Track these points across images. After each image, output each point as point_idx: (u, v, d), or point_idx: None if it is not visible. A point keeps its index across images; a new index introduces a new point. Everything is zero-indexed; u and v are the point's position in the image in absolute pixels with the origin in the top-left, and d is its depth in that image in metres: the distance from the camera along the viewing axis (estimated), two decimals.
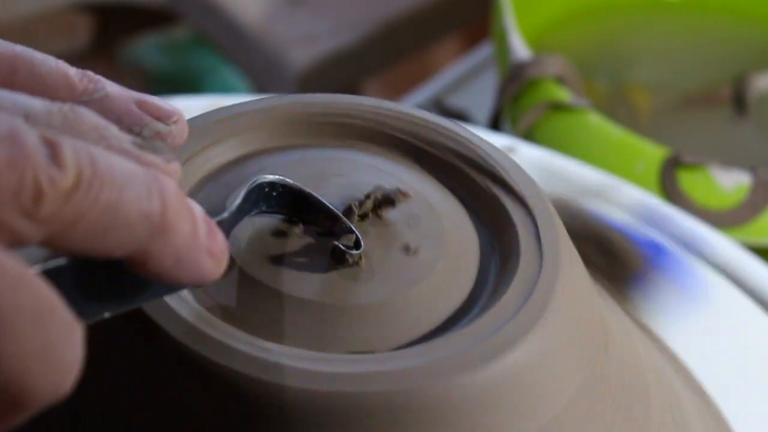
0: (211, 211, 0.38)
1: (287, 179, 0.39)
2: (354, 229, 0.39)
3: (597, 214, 0.60)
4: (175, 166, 0.32)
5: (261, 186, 0.38)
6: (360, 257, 0.38)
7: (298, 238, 0.39)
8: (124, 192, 0.29)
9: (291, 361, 0.34)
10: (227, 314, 0.36)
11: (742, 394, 0.52)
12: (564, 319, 0.38)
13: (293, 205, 0.39)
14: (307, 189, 0.39)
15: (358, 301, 0.37)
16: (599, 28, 0.94)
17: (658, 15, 0.97)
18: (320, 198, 0.39)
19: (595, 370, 0.40)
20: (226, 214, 0.36)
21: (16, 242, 0.28)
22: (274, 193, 0.39)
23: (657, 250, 0.59)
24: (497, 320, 0.37)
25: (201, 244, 0.32)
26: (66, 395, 0.28)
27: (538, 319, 0.37)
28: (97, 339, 0.32)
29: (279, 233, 0.39)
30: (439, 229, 0.40)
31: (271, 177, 0.38)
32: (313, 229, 0.39)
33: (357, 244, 0.38)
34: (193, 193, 0.40)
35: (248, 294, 0.37)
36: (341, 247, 0.38)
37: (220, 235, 0.33)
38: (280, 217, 0.39)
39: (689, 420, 0.45)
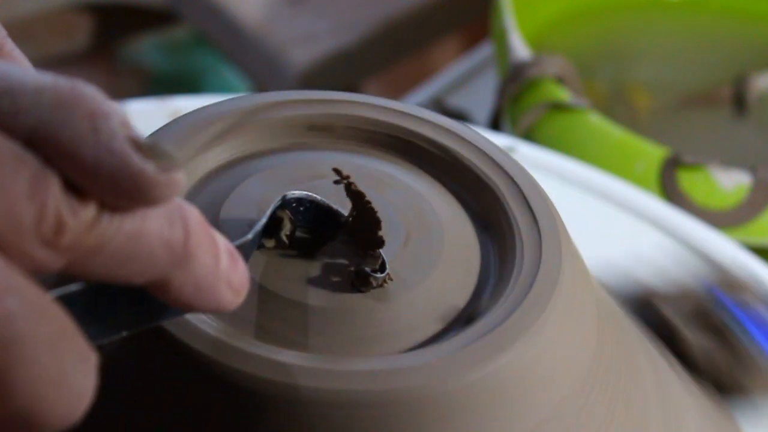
0: (210, 213, 0.38)
1: (315, 195, 0.38)
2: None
3: (733, 309, 0.56)
4: (175, 178, 0.28)
5: (288, 202, 0.38)
6: (384, 280, 0.38)
7: (321, 254, 0.38)
8: (147, 221, 0.29)
9: (299, 361, 0.35)
10: (242, 323, 0.36)
11: None
12: (564, 317, 0.38)
13: (318, 220, 0.39)
14: (335, 206, 0.38)
15: (360, 304, 0.37)
16: (599, 28, 0.94)
17: (658, 15, 0.97)
18: (347, 216, 0.39)
19: (593, 366, 0.40)
20: (250, 236, 0.36)
21: (36, 270, 0.27)
22: (300, 209, 0.38)
23: None
24: (501, 319, 0.37)
25: (222, 275, 0.31)
26: (78, 422, 0.28)
27: (537, 318, 0.37)
28: (114, 352, 0.32)
29: (302, 248, 0.38)
30: (440, 230, 0.40)
31: (298, 193, 0.38)
32: (338, 245, 0.39)
33: (382, 266, 0.38)
34: (192, 194, 0.40)
35: (264, 303, 0.37)
36: (366, 270, 0.37)
37: (241, 266, 0.32)
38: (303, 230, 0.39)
39: (684, 411, 0.45)
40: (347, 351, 0.36)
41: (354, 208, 0.38)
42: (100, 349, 0.29)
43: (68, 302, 0.29)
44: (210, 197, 0.40)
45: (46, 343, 0.27)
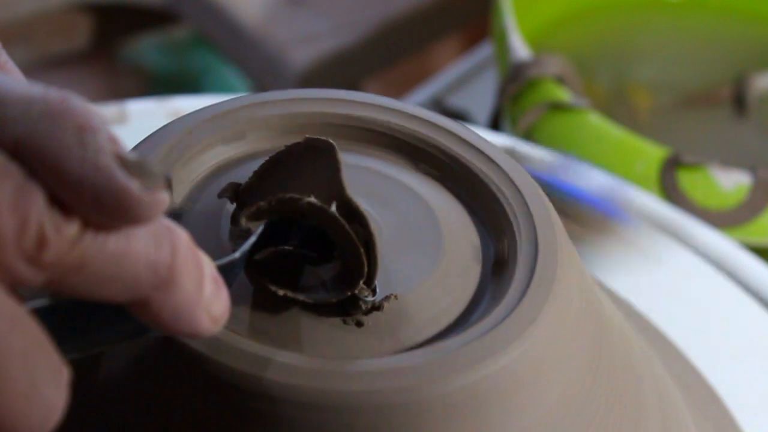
0: (209, 213, 0.38)
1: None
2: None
3: (549, 179, 0.62)
4: (159, 197, 0.28)
5: (278, 223, 0.37)
6: (375, 306, 0.37)
7: (314, 274, 0.37)
8: (132, 241, 0.28)
9: (292, 361, 0.35)
10: (236, 321, 0.36)
11: (708, 351, 0.54)
12: (561, 318, 0.38)
13: (311, 239, 0.37)
14: (326, 227, 0.37)
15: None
16: (599, 28, 0.94)
17: (658, 15, 0.97)
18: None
19: (590, 366, 0.40)
20: (237, 254, 0.35)
21: (16, 284, 0.27)
22: (293, 228, 0.37)
23: (611, 210, 0.60)
24: (498, 320, 0.37)
25: (203, 302, 0.31)
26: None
27: (535, 318, 0.37)
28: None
29: (295, 266, 0.38)
30: (438, 231, 0.40)
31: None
32: (329, 266, 0.38)
33: (373, 290, 0.37)
34: (193, 194, 0.40)
35: (258, 304, 0.37)
36: (356, 294, 0.36)
37: (224, 295, 0.32)
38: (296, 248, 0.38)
39: (679, 412, 0.45)
40: (342, 351, 0.36)
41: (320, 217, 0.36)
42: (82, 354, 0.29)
43: (44, 315, 0.29)
44: (212, 196, 0.40)
45: (19, 356, 0.27)
